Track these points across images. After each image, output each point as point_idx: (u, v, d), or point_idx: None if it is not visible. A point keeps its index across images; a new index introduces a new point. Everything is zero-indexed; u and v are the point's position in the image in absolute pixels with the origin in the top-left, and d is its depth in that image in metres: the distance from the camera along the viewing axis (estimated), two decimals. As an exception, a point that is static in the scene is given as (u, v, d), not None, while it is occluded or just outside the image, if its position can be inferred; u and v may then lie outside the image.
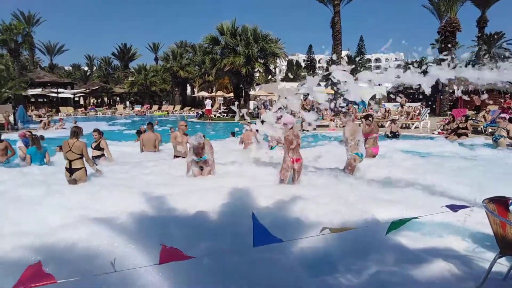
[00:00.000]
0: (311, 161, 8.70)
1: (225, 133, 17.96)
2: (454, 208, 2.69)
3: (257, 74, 39.86)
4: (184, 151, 9.56)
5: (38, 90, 43.22)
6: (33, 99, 43.73)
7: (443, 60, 5.03)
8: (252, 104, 33.72)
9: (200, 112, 33.68)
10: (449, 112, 22.10)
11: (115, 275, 2.74)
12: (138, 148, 11.60)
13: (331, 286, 3.19)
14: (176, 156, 9.58)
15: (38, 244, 3.85)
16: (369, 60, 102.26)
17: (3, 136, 11.34)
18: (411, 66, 5.47)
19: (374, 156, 9.21)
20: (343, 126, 7.90)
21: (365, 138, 9.11)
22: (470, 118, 16.00)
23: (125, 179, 7.42)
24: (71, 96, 48.20)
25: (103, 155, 9.40)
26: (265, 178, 7.30)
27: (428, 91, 5.02)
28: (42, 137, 11.75)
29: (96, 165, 7.94)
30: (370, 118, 9.57)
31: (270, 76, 48.57)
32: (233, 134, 14.87)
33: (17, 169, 8.64)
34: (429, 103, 25.34)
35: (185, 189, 6.40)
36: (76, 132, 6.98)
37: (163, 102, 51.86)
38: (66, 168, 6.93)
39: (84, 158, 6.99)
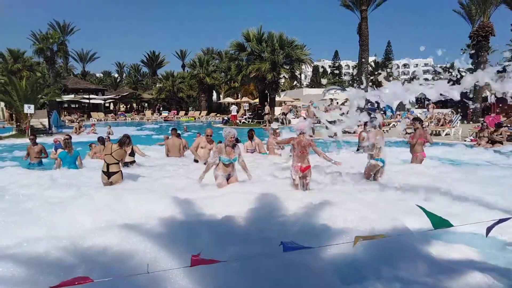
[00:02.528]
0: (337, 167, 8.58)
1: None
2: (500, 222, 2.56)
3: (282, 80, 39.91)
4: (207, 157, 9.37)
5: (71, 96, 44.96)
6: (66, 105, 45.47)
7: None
8: (278, 110, 33.76)
9: (226, 118, 34.01)
10: (481, 119, 21.34)
11: (147, 277, 2.80)
12: (162, 153, 11.87)
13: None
14: (196, 161, 9.56)
15: (71, 247, 3.95)
16: (397, 66, 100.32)
17: (39, 140, 11.86)
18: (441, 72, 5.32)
19: (422, 160, 8.92)
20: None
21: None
22: (504, 125, 15.38)
23: (150, 184, 7.54)
24: (102, 102, 49.77)
25: (134, 161, 9.63)
26: (287, 183, 7.26)
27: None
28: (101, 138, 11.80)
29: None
30: (417, 123, 8.99)
31: (295, 82, 48.51)
32: (237, 140, 14.57)
33: (46, 172, 8.93)
34: (459, 110, 24.57)
35: (210, 194, 6.43)
36: (123, 142, 7.21)
37: (190, 108, 52.70)
38: (103, 171, 7.14)
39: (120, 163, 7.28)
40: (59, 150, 10.38)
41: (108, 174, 7.09)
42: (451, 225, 2.62)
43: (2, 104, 34.07)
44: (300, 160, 6.62)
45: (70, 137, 10.35)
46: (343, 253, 3.67)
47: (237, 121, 31.31)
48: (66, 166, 9.31)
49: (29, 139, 11.10)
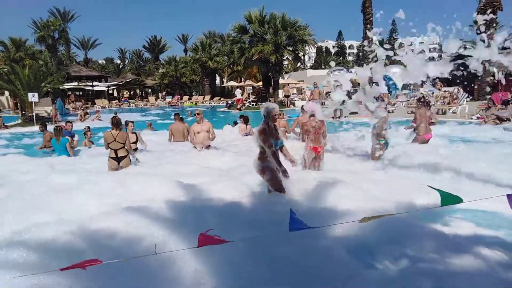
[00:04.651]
0: (346, 148, 8.53)
1: (255, 122, 17.97)
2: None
3: (286, 62, 39.49)
4: (205, 140, 9.25)
5: (74, 84, 44.83)
6: (69, 93, 45.45)
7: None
8: (281, 93, 33.52)
9: (230, 102, 33.86)
10: (488, 97, 21.07)
11: (155, 258, 2.82)
12: (163, 136, 11.92)
13: (369, 273, 3.13)
14: (194, 147, 9.38)
15: (79, 231, 3.98)
16: (402, 44, 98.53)
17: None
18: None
19: (427, 142, 8.77)
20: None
21: (413, 123, 8.77)
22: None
23: (154, 168, 7.54)
24: (105, 89, 49.63)
25: (137, 148, 9.57)
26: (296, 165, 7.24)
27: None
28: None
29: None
30: (420, 102, 8.88)
31: (299, 64, 47.99)
32: (236, 123, 14.74)
33: (45, 159, 9.01)
34: (467, 88, 24.20)
35: (215, 178, 6.44)
36: (118, 123, 7.32)
37: (193, 93, 52.49)
38: (111, 157, 7.24)
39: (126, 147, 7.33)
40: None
41: (117, 159, 7.22)
42: (460, 200, 2.59)
43: (7, 93, 34.15)
44: (313, 141, 6.58)
45: (71, 124, 10.39)
46: (352, 232, 3.67)
47: (241, 104, 31.18)
48: (56, 153, 9.38)
49: (39, 128, 11.23)
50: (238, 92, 32.81)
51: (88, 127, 12.92)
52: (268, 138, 4.86)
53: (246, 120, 13.03)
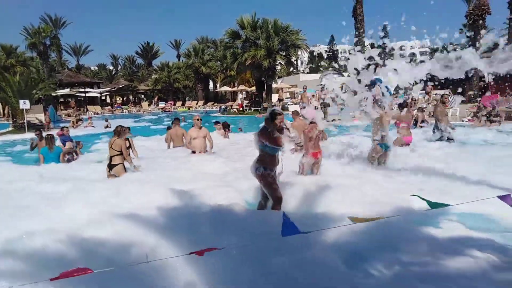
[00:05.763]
0: (340, 152, 8.54)
1: (249, 127, 18.01)
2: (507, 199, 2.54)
3: (278, 67, 39.58)
4: (202, 146, 9.19)
5: (66, 91, 44.46)
6: (62, 99, 45.07)
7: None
8: (274, 98, 33.59)
9: (223, 107, 33.90)
10: (479, 99, 21.31)
11: (147, 266, 2.78)
12: (158, 143, 11.85)
13: (363, 278, 3.12)
14: (193, 152, 9.24)
15: (70, 239, 3.93)
16: (393, 49, 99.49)
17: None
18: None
19: (408, 145, 8.99)
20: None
21: (397, 126, 9.02)
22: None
23: (147, 175, 7.46)
24: (98, 95, 49.33)
25: (129, 155, 9.41)
26: (292, 170, 7.22)
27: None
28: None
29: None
30: (402, 106, 9.26)
31: (292, 69, 48.20)
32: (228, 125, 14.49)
33: (33, 167, 8.87)
34: (461, 90, 24.44)
35: (209, 184, 6.41)
36: (119, 132, 7.42)
37: (187, 98, 52.41)
38: (107, 164, 7.35)
39: (123, 155, 7.30)
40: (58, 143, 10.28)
41: (110, 166, 7.24)
42: (447, 204, 2.63)
43: (-2, 100, 33.78)
44: (312, 147, 6.60)
45: (68, 129, 10.28)
46: (343, 237, 3.67)
47: (235, 109, 31.29)
48: (50, 162, 9.07)
49: (35, 134, 11.09)
50: (239, 97, 33.10)
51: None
52: (275, 138, 4.48)
53: (225, 126, 13.06)
